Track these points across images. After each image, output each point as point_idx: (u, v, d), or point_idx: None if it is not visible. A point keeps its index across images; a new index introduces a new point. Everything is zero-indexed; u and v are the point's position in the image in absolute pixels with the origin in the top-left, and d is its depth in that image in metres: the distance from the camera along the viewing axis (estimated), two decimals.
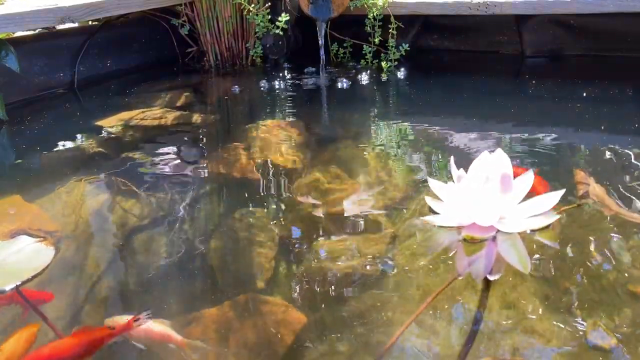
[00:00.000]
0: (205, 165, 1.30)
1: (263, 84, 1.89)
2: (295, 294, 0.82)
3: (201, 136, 1.48)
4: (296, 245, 0.94)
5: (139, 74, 2.06)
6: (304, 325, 0.75)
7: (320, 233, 0.97)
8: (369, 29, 1.95)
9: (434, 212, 0.98)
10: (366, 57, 1.98)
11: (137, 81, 1.99)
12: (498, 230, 0.91)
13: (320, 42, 1.91)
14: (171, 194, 1.14)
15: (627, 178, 1.07)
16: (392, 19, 1.89)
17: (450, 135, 1.36)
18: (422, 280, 0.82)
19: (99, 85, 1.93)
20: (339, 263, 0.87)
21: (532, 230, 0.91)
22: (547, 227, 0.91)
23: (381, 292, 0.80)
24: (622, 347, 0.67)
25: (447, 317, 0.75)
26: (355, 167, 1.21)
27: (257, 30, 2.04)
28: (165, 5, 2.02)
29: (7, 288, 0.85)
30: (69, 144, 1.46)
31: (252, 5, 1.98)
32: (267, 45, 2.05)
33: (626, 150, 1.19)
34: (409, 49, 1.94)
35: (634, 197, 0.99)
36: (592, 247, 0.87)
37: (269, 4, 2.00)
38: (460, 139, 1.33)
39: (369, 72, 1.92)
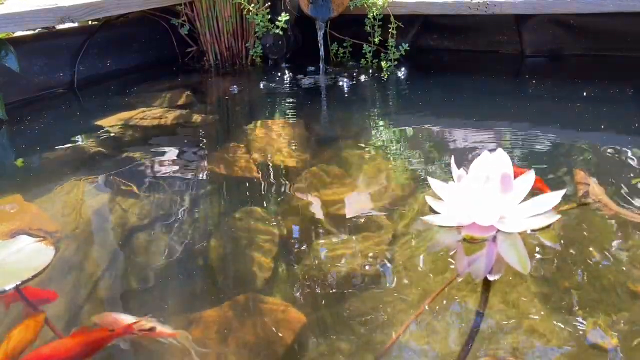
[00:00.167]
0: (205, 165, 1.30)
1: (263, 84, 1.89)
2: (295, 294, 0.82)
3: (201, 136, 1.48)
4: (296, 245, 0.94)
5: (139, 74, 2.06)
6: (304, 325, 0.75)
7: (321, 233, 0.97)
8: (369, 28, 1.95)
9: (435, 212, 0.98)
10: (366, 57, 1.98)
11: (137, 81, 1.99)
12: (498, 231, 0.91)
13: (320, 42, 1.91)
14: (171, 194, 1.14)
15: (628, 178, 1.07)
16: (392, 18, 1.89)
17: (450, 135, 1.36)
18: (422, 280, 0.82)
19: (99, 85, 1.93)
20: (339, 263, 0.87)
21: (533, 231, 0.91)
22: (547, 227, 0.91)
23: (381, 292, 0.80)
24: (621, 347, 0.67)
25: (447, 317, 0.75)
26: (355, 167, 1.21)
27: (257, 30, 2.04)
28: (165, 5, 2.02)
29: (7, 288, 0.85)
30: (69, 144, 1.46)
31: (252, 5, 1.98)
32: (267, 45, 2.05)
33: (626, 150, 1.19)
34: (409, 49, 1.94)
35: (634, 197, 0.99)
36: (592, 247, 0.87)
37: (269, 4, 2.00)
38: (460, 139, 1.33)
39: (369, 72, 1.92)
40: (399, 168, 1.21)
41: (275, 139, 1.40)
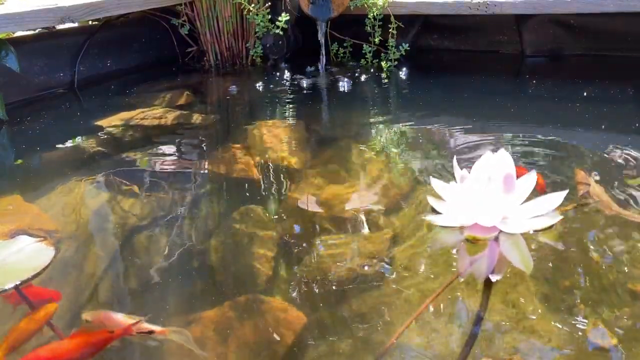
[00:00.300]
0: (205, 165, 1.30)
1: (263, 83, 1.89)
2: (295, 294, 0.82)
3: (201, 136, 1.48)
4: (296, 245, 0.94)
5: (139, 74, 2.06)
6: (304, 325, 0.75)
7: (321, 233, 0.97)
8: (369, 28, 1.95)
9: (437, 212, 0.97)
10: (366, 56, 1.98)
11: (137, 81, 1.99)
12: (501, 231, 0.91)
13: (320, 42, 1.91)
14: (171, 193, 1.14)
15: (628, 178, 1.07)
16: (392, 18, 1.89)
17: (450, 135, 1.36)
18: (423, 280, 0.82)
19: (99, 85, 1.93)
20: (339, 263, 0.87)
21: (535, 231, 0.91)
22: (549, 227, 0.91)
23: (382, 292, 0.80)
24: (622, 346, 0.67)
25: (448, 316, 0.75)
26: (355, 167, 1.21)
27: (257, 30, 2.04)
28: (165, 5, 2.02)
29: (7, 287, 0.85)
30: (69, 144, 1.46)
31: (252, 5, 1.98)
32: (267, 45, 2.05)
33: (627, 150, 1.19)
34: (409, 48, 1.94)
35: (634, 197, 0.99)
36: (592, 247, 0.87)
37: (269, 3, 2.00)
38: (460, 139, 1.33)
39: (369, 71, 1.92)
40: (399, 168, 1.21)
41: (275, 138, 1.40)
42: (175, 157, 1.33)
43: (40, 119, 1.64)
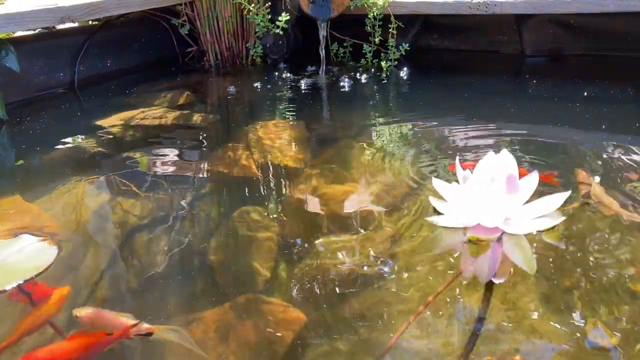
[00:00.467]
0: (205, 164, 1.30)
1: (263, 83, 1.89)
2: (295, 294, 0.82)
3: (201, 136, 1.48)
4: (296, 245, 0.94)
5: (139, 74, 2.06)
6: (304, 325, 0.75)
7: (321, 232, 0.96)
8: (369, 28, 1.95)
9: (438, 213, 0.97)
10: (366, 56, 1.98)
11: (137, 81, 1.99)
12: (503, 232, 0.91)
13: (320, 42, 1.91)
14: (171, 193, 1.14)
15: (628, 178, 1.07)
16: (392, 18, 1.89)
17: (451, 135, 1.36)
18: (423, 281, 0.82)
19: (99, 85, 1.93)
20: (340, 263, 0.87)
21: (538, 232, 0.91)
22: (551, 228, 0.91)
23: (382, 292, 0.80)
24: (622, 346, 0.67)
25: (448, 316, 0.75)
26: (355, 167, 1.21)
27: (257, 30, 2.04)
28: (165, 5, 2.02)
29: (8, 287, 0.85)
30: (69, 144, 1.46)
31: (252, 5, 1.98)
32: (267, 45, 2.05)
33: (627, 150, 1.19)
34: (409, 48, 1.94)
35: (635, 197, 0.99)
36: (592, 247, 0.87)
37: (269, 3, 2.01)
38: (460, 139, 1.33)
39: (369, 71, 1.92)
40: (400, 168, 1.21)
41: (276, 138, 1.40)
42: (175, 157, 1.33)
43: (40, 119, 1.64)
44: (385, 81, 1.84)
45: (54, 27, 1.92)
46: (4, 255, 0.93)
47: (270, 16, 2.01)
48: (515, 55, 2.00)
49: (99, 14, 1.82)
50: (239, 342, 0.73)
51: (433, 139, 1.34)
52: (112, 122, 1.56)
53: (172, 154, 1.35)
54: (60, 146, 1.44)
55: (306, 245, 0.93)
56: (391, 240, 0.92)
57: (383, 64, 1.91)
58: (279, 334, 0.73)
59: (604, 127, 1.38)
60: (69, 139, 1.48)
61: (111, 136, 1.47)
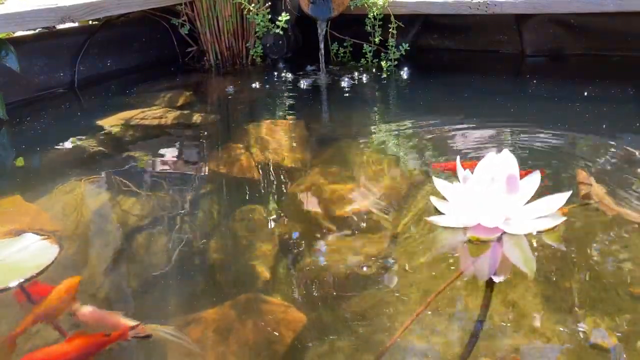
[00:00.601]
0: (205, 164, 1.30)
1: (263, 83, 1.89)
2: (296, 294, 0.82)
3: (201, 136, 1.48)
4: (296, 245, 0.94)
5: (139, 74, 2.06)
6: (304, 325, 0.75)
7: (321, 232, 0.96)
8: (369, 28, 1.95)
9: (439, 212, 0.97)
10: (366, 56, 1.98)
11: (137, 81, 1.99)
12: (504, 232, 0.91)
13: (320, 42, 1.91)
14: (171, 193, 1.14)
15: (629, 178, 1.07)
16: (392, 18, 1.89)
17: (451, 135, 1.36)
18: (423, 281, 0.82)
19: (99, 84, 1.93)
20: (340, 263, 0.87)
21: (538, 232, 0.90)
22: (552, 228, 0.91)
23: (382, 292, 0.80)
24: (622, 346, 0.67)
25: (448, 316, 0.74)
26: (355, 167, 1.21)
27: (257, 29, 2.04)
28: (165, 5, 2.02)
29: (11, 285, 0.85)
30: (69, 144, 1.46)
31: (252, 5, 1.98)
32: (267, 45, 2.05)
33: (628, 150, 1.19)
34: (409, 48, 1.94)
35: (635, 198, 0.99)
36: (593, 247, 0.87)
37: (269, 3, 2.00)
38: (460, 139, 1.33)
39: (369, 71, 1.92)
40: (400, 167, 1.20)
41: (276, 138, 1.40)
42: (176, 157, 1.33)
43: (40, 119, 1.64)
44: (385, 81, 1.84)
45: (54, 26, 1.92)
46: (6, 253, 0.93)
47: (270, 16, 2.01)
48: (515, 55, 2.00)
49: (99, 13, 1.82)
50: (239, 342, 0.73)
51: (433, 139, 1.34)
52: (112, 122, 1.56)
53: (172, 153, 1.35)
54: (60, 146, 1.44)
55: (306, 245, 0.93)
56: (391, 240, 0.92)
57: (383, 63, 1.91)
58: (279, 334, 0.73)
59: (604, 126, 1.37)
60: (69, 139, 1.48)
61: (111, 136, 1.47)
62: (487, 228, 0.91)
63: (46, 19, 1.68)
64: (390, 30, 1.90)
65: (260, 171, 1.22)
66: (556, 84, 1.76)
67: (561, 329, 0.71)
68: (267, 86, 1.87)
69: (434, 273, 0.84)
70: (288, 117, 1.60)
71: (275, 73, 1.99)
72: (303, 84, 1.85)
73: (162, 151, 1.37)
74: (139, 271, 0.90)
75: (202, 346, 0.73)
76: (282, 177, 1.20)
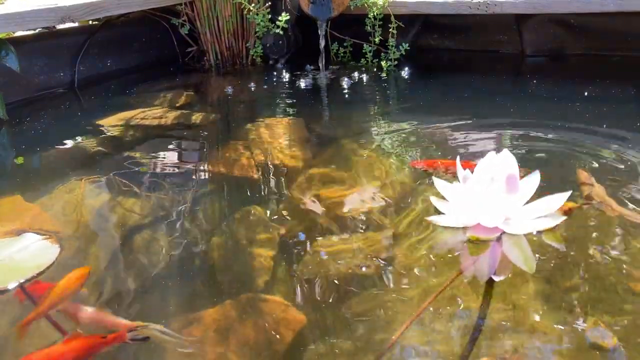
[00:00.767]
0: (205, 164, 1.30)
1: (263, 83, 1.89)
2: (295, 294, 0.82)
3: (201, 136, 1.48)
4: (296, 245, 0.94)
5: (139, 74, 2.06)
6: (304, 324, 0.75)
7: (321, 232, 0.96)
8: (369, 28, 1.95)
9: (439, 212, 0.97)
10: (366, 56, 1.98)
11: (137, 81, 1.99)
12: (503, 232, 0.91)
13: (320, 42, 1.91)
14: (171, 193, 1.14)
15: (630, 178, 1.07)
16: (392, 18, 1.89)
17: (451, 135, 1.36)
18: (423, 280, 0.82)
19: (99, 84, 1.93)
20: (340, 262, 0.87)
21: (538, 232, 0.90)
22: (552, 228, 0.91)
23: (382, 292, 0.80)
24: (622, 346, 0.67)
25: (449, 316, 0.74)
26: (356, 167, 1.21)
27: (257, 29, 2.04)
28: (165, 5, 2.02)
29: (11, 286, 0.85)
30: (69, 144, 1.46)
31: (253, 5, 1.98)
32: (268, 45, 2.05)
33: (628, 150, 1.19)
34: (409, 48, 1.94)
35: (635, 198, 0.99)
36: (593, 247, 0.87)
37: (269, 3, 2.01)
38: (460, 139, 1.33)
39: (369, 71, 1.92)
40: (400, 167, 1.21)
41: (276, 138, 1.40)
42: (176, 157, 1.33)
43: (40, 119, 1.64)
44: (385, 81, 1.84)
45: (54, 26, 1.92)
46: (7, 253, 0.93)
47: (270, 16, 2.01)
48: (515, 55, 2.00)
49: (99, 13, 1.82)
50: (239, 342, 0.73)
51: (433, 139, 1.34)
52: (112, 122, 1.56)
53: (172, 153, 1.35)
54: (60, 146, 1.44)
55: (306, 244, 0.93)
56: (391, 240, 0.92)
57: (383, 63, 1.91)
58: (279, 334, 0.73)
59: (605, 126, 1.37)
60: (69, 139, 1.48)
61: (111, 136, 1.47)
62: (486, 228, 0.91)
63: (46, 19, 1.68)
64: (390, 30, 1.90)
65: (260, 171, 1.22)
66: (556, 83, 1.76)
67: (561, 328, 0.71)
68: (267, 86, 1.87)
69: (433, 273, 0.84)
70: (288, 116, 1.60)
71: (275, 73, 1.99)
72: (303, 83, 1.85)
73: (162, 151, 1.37)
74: (139, 271, 0.90)
75: (202, 346, 0.73)
76: (282, 177, 1.20)
